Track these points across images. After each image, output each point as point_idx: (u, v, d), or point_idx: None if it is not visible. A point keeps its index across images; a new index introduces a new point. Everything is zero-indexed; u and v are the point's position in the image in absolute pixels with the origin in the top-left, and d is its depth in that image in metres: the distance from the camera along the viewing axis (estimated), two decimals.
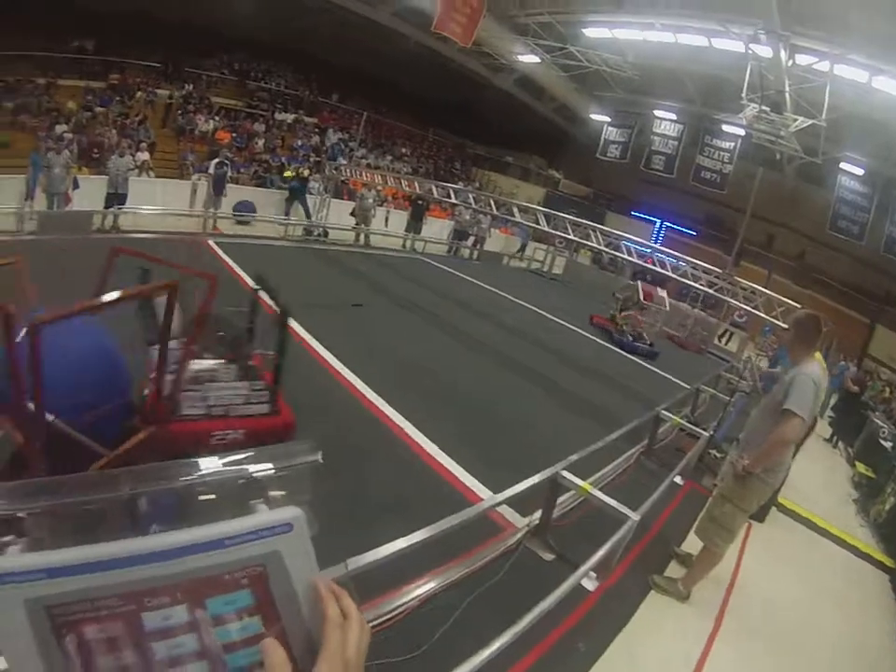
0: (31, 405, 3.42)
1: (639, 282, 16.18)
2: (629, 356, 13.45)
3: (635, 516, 4.46)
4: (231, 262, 11.15)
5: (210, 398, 5.11)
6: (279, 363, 5.26)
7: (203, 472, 0.97)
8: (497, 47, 22.25)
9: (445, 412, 7.48)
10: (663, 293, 15.76)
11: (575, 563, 4.23)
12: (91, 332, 4.18)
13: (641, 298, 14.88)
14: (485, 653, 3.08)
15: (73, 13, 20.55)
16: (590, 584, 4.53)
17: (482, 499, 5.34)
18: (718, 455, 7.84)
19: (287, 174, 20.29)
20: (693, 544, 5.35)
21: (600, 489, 5.00)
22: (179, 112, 22.10)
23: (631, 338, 14.15)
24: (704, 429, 7.83)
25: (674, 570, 5.26)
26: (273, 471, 0.98)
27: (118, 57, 22.12)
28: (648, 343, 14.27)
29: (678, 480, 6.89)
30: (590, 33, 19.86)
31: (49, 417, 3.53)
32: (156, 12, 21.57)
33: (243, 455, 0.99)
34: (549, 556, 4.88)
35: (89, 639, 0.75)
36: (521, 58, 22.82)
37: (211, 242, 13.66)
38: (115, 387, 4.15)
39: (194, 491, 0.96)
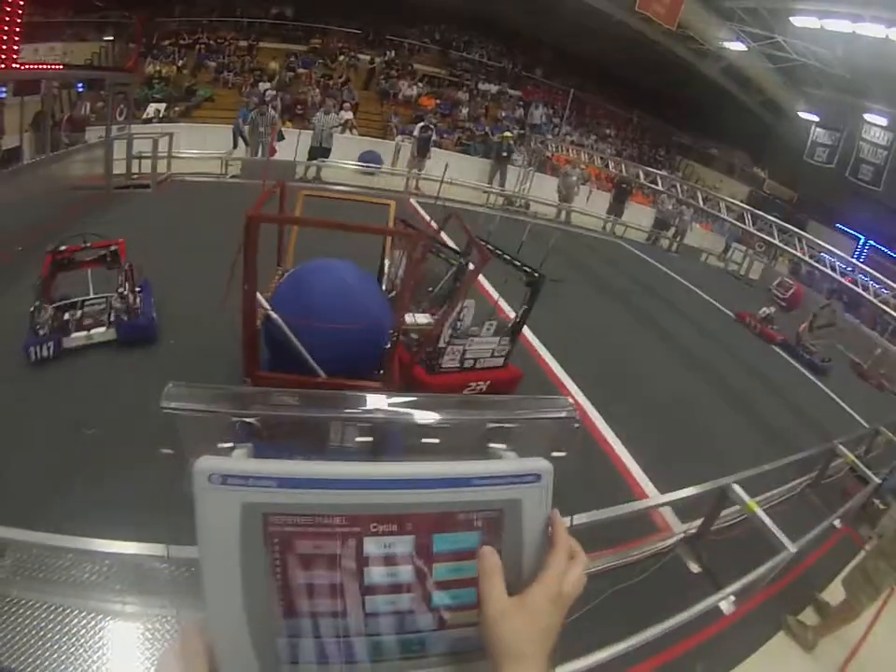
0: None
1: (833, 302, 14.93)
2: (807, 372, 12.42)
3: (792, 548, 4.32)
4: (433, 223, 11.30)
5: (469, 352, 5.85)
6: (523, 322, 6.04)
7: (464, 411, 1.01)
8: (702, 31, 21.50)
9: (627, 400, 7.47)
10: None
11: (720, 581, 4.33)
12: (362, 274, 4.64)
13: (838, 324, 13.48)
14: (603, 654, 3.15)
15: None
16: (726, 606, 4.46)
17: (647, 496, 5.44)
18: (882, 506, 7.18)
19: (507, 134, 19.93)
20: (833, 593, 5.13)
21: (766, 509, 4.85)
22: (382, 77, 22.86)
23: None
24: (875, 474, 7.22)
25: (809, 616, 5.03)
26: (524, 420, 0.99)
27: (317, 23, 23.19)
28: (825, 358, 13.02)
29: (836, 523, 6.51)
30: (797, 21, 18.77)
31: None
32: None
33: (498, 400, 1.04)
34: (696, 568, 4.86)
35: (300, 552, 0.76)
36: (727, 44, 21.89)
37: (413, 201, 13.94)
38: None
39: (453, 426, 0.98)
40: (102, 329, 5.91)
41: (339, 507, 0.76)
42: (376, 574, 0.78)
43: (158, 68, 19.90)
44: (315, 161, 15.20)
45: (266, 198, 4.35)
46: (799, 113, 25.02)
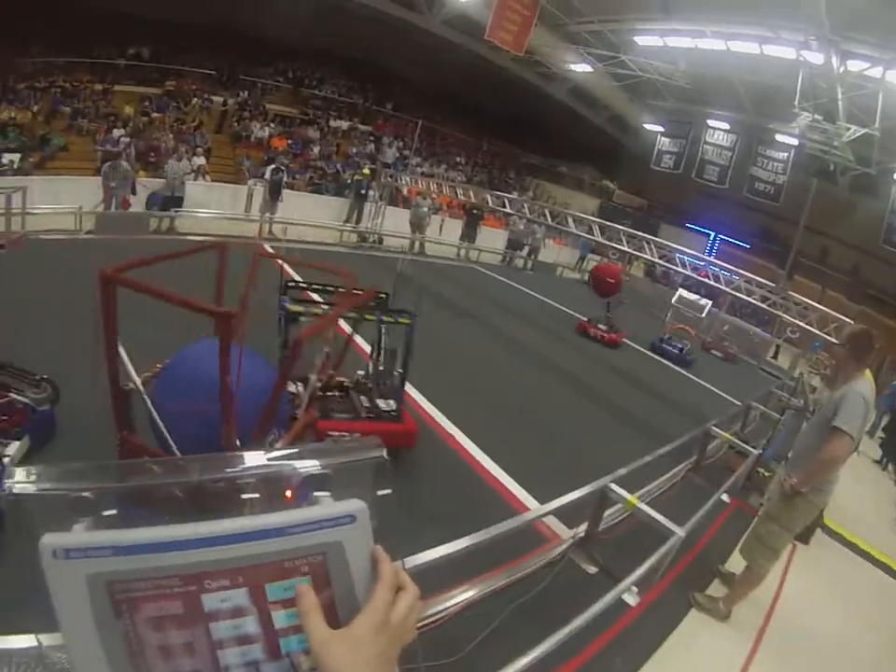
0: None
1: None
2: (676, 367, 13.38)
3: (680, 532, 4.44)
4: (288, 269, 11.31)
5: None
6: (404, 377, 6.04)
7: (271, 463, 1.01)
8: (548, 55, 22.30)
9: (494, 419, 7.52)
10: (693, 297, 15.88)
11: (618, 577, 4.22)
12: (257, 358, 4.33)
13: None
14: (521, 663, 3.08)
15: (129, 22, 21.34)
16: (631, 599, 4.51)
17: (528, 509, 5.34)
18: (766, 473, 7.68)
19: (366, 172, 20.19)
20: (736, 563, 5.26)
21: (647, 504, 4.95)
22: (235, 119, 22.62)
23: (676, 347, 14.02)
24: (753, 447, 7.71)
25: (716, 589, 5.20)
26: (338, 464, 1.00)
27: (173, 64, 22.79)
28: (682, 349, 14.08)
29: (724, 498, 6.81)
30: (641, 41, 19.74)
31: None
32: (209, 21, 22.22)
33: (311, 449, 1.02)
34: (592, 569, 4.86)
35: (146, 616, 0.78)
36: (573, 67, 22.83)
37: (267, 246, 13.82)
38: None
39: (265, 480, 1.00)
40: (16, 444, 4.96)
41: (172, 568, 0.78)
42: (221, 628, 0.81)
43: (13, 114, 18.86)
44: (167, 213, 14.80)
45: (134, 265, 4.04)
46: (645, 125, 26.48)
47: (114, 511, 0.90)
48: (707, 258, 14.69)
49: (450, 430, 6.85)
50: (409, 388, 7.34)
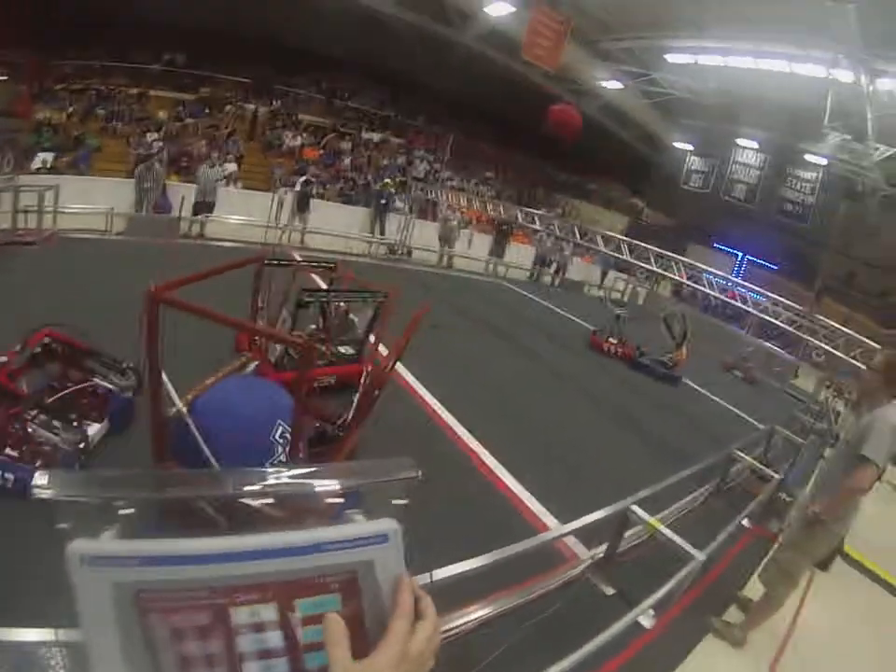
0: None
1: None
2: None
3: (699, 556, 4.40)
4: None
5: None
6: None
7: (306, 481, 1.03)
8: (580, 72, 22.31)
9: (518, 436, 7.51)
10: None
11: (635, 599, 4.18)
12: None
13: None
14: None
15: (165, 28, 21.52)
16: (647, 621, 4.45)
17: (546, 526, 5.38)
18: (788, 499, 7.54)
19: (387, 182, 20.47)
20: (754, 589, 5.22)
21: (667, 526, 4.92)
22: (268, 127, 22.87)
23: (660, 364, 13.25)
24: (775, 472, 7.61)
25: (733, 615, 5.14)
26: (371, 483, 1.03)
27: (207, 71, 23.14)
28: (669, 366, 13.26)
29: (745, 523, 6.73)
30: (672, 58, 19.80)
31: None
32: (244, 30, 22.31)
33: (344, 467, 1.07)
34: (610, 590, 4.83)
35: (172, 626, 0.79)
36: (604, 84, 22.84)
37: (296, 255, 13.95)
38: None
39: (299, 496, 1.03)
40: (97, 427, 5.24)
41: (202, 581, 0.79)
42: (248, 642, 0.82)
43: (48, 115, 19.16)
44: (199, 217, 15.17)
45: (182, 283, 4.04)
46: (674, 143, 26.44)
47: (142, 521, 0.91)
48: (735, 278, 14.47)
49: (470, 444, 6.89)
50: (431, 399, 7.74)
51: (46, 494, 0.86)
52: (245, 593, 0.81)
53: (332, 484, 1.01)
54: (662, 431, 9.49)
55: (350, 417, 5.01)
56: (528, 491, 6.13)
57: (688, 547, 4.48)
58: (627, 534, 5.18)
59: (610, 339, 13.47)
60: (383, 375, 4.92)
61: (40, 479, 0.86)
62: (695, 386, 13.19)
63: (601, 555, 5.03)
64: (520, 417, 8.24)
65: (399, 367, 7.75)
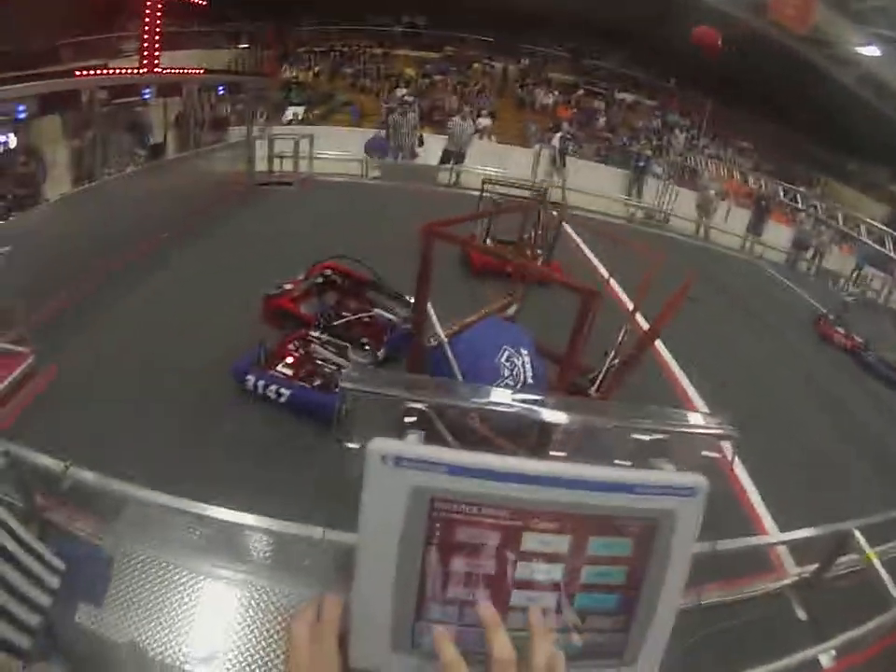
0: None
1: None
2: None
3: None
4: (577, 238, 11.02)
5: None
6: None
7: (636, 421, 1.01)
8: (835, 36, 20.60)
9: (751, 426, 6.72)
10: None
11: (824, 633, 3.83)
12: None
13: None
14: None
15: None
16: (826, 659, 3.88)
17: (766, 531, 5.22)
18: None
19: (644, 144, 20.53)
20: None
21: (884, 560, 4.28)
22: (518, 84, 23.04)
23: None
24: None
25: None
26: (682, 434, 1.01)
27: (449, 32, 23.61)
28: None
29: None
30: None
31: None
32: None
33: (662, 411, 1.02)
34: (803, 615, 4.36)
35: (457, 540, 0.79)
36: (861, 50, 20.85)
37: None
38: None
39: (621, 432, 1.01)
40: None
41: (505, 499, 0.78)
42: (529, 570, 0.81)
43: (295, 74, 21.13)
44: (452, 166, 15.52)
45: (454, 221, 4.52)
46: None
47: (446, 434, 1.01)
48: None
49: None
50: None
51: (354, 387, 0.95)
52: (544, 519, 0.80)
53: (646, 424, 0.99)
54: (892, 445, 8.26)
55: (604, 375, 4.96)
56: (754, 484, 5.83)
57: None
58: (841, 560, 4.66)
59: (838, 329, 11.73)
60: (646, 339, 4.85)
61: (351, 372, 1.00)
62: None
63: (807, 575, 4.62)
64: (758, 407, 7.47)
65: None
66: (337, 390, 4.51)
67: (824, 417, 8.29)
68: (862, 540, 4.22)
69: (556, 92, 23.05)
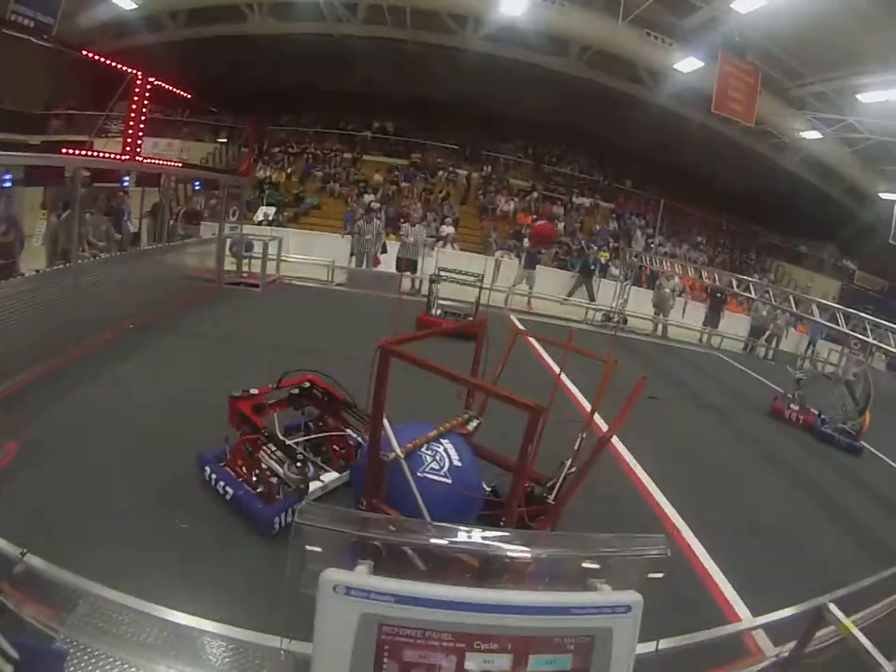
0: None
1: None
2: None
3: (889, 668, 3.69)
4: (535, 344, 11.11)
5: None
6: None
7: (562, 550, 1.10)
8: (777, 124, 21.50)
9: (718, 514, 6.94)
10: None
11: None
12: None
13: None
14: None
15: (373, 98, 23.32)
16: None
17: (739, 617, 5.06)
18: None
19: (604, 255, 20.98)
20: None
21: (861, 629, 4.18)
22: (480, 192, 23.68)
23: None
24: None
25: None
26: (618, 558, 1.05)
27: (416, 138, 24.75)
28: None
29: None
30: (864, 98, 18.28)
31: None
32: (449, 99, 23.33)
33: (595, 538, 1.06)
34: None
35: (406, 661, 0.85)
36: (802, 134, 21.68)
37: (514, 318, 14.29)
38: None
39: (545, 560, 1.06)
40: (335, 475, 5.34)
41: (448, 624, 0.84)
42: None
43: (268, 174, 21.83)
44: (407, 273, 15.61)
45: (409, 339, 4.59)
46: (880, 194, 24.32)
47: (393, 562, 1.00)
48: None
49: (673, 519, 6.47)
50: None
51: (306, 521, 0.97)
52: (486, 641, 0.86)
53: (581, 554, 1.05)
54: (855, 511, 8.33)
55: (561, 483, 4.97)
56: (720, 569, 5.71)
57: (881, 658, 3.78)
58: (818, 634, 4.54)
59: (792, 406, 12.06)
60: (601, 443, 4.78)
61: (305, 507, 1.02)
62: (884, 457, 11.27)
63: (786, 654, 4.47)
64: (724, 493, 7.69)
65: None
66: (277, 498, 4.74)
67: (788, 492, 8.42)
68: (838, 612, 4.18)
69: (516, 199, 23.72)
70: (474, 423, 5.26)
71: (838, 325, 11.98)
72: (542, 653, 0.87)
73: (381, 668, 0.85)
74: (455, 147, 25.09)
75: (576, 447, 5.20)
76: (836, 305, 12.91)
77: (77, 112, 19.96)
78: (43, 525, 4.28)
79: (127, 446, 5.64)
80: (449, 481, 4.20)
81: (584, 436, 5.26)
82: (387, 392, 4.00)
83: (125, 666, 3.15)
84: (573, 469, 5.04)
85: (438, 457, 4.38)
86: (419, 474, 4.19)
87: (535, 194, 24.36)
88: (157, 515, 4.77)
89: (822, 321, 12.74)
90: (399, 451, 4.14)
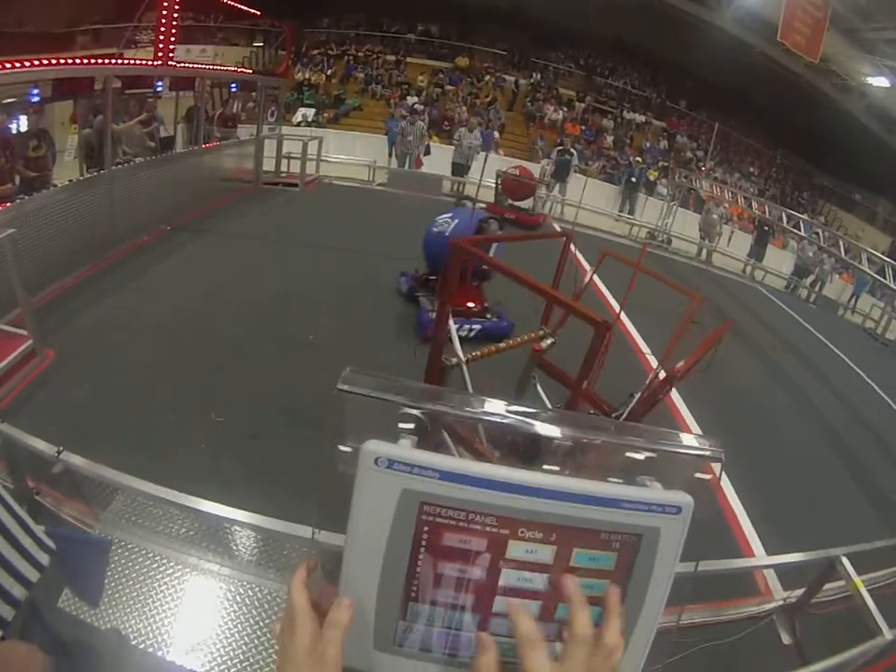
0: None
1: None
2: None
3: (888, 634, 3.80)
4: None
5: None
6: None
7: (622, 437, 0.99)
8: (843, 65, 20.58)
9: (745, 450, 6.62)
10: None
11: (808, 657, 3.95)
12: None
13: None
14: None
15: (415, 1, 22.74)
16: None
17: (753, 553, 5.15)
18: None
19: (653, 173, 20.67)
20: None
21: (870, 589, 4.23)
22: (528, 99, 23.07)
23: None
24: None
25: None
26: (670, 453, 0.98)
27: (462, 42, 23.94)
28: None
29: None
30: None
31: None
32: (499, 4, 22.91)
33: (650, 430, 0.99)
34: (788, 640, 4.36)
35: (444, 543, 0.81)
36: (870, 80, 20.78)
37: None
38: None
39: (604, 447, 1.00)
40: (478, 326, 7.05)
41: (493, 507, 0.80)
42: (513, 577, 0.83)
43: (307, 76, 21.35)
44: (458, 178, 15.59)
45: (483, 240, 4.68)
46: None
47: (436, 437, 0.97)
48: None
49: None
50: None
51: (350, 388, 0.90)
52: (530, 529, 0.82)
53: (637, 442, 0.98)
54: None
55: (627, 415, 4.82)
56: (745, 507, 5.75)
57: (881, 621, 3.89)
58: (827, 586, 4.63)
59: None
60: (670, 378, 4.74)
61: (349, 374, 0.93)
62: None
63: (793, 600, 4.58)
64: (754, 433, 7.48)
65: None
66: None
67: (818, 438, 8.33)
68: (850, 567, 4.21)
69: (565, 108, 23.10)
70: (549, 340, 5.16)
71: (885, 279, 11.64)
72: (587, 548, 0.82)
73: (419, 550, 0.80)
74: (504, 52, 24.31)
75: (647, 382, 5.05)
76: (888, 259, 12.53)
77: (103, 26, 19.43)
78: (80, 425, 4.41)
79: (162, 347, 5.85)
80: None
81: (659, 369, 5.03)
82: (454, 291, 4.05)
83: (158, 558, 3.42)
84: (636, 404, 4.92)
85: (445, 226, 6.51)
86: None
87: (584, 104, 23.72)
88: (193, 411, 4.95)
89: (870, 272, 12.39)
90: (461, 355, 4.13)
